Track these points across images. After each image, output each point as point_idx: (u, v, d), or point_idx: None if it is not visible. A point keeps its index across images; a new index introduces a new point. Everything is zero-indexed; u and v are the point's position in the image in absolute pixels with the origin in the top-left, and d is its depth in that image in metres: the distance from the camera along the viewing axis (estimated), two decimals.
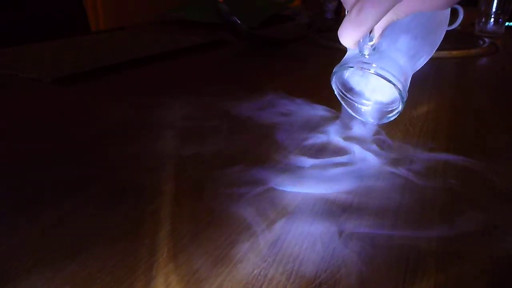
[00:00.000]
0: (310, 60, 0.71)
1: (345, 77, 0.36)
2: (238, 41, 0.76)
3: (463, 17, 0.84)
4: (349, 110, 0.37)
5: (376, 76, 0.31)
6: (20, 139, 0.35)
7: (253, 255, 0.21)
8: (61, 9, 1.03)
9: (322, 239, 0.23)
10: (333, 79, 0.35)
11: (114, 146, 0.34)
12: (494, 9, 0.97)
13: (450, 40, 0.85)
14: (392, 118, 0.34)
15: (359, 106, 0.37)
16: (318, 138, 0.36)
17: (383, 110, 0.36)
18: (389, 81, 0.31)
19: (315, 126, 0.38)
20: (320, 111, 0.42)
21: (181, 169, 0.30)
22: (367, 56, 0.31)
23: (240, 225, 0.24)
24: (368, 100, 0.36)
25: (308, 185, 0.28)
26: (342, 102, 0.37)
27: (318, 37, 0.83)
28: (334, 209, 0.25)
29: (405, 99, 0.32)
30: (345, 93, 0.37)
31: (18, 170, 0.30)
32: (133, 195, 0.27)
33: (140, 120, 0.40)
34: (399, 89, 0.31)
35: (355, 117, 0.37)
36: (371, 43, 0.30)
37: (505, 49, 0.83)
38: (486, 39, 0.83)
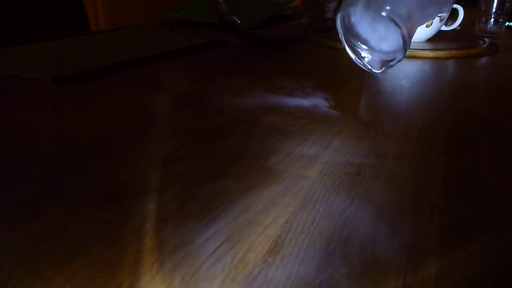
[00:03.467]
0: (310, 60, 0.71)
1: (352, 22, 0.34)
2: (238, 41, 0.76)
3: (463, 17, 0.85)
4: (352, 55, 0.36)
5: (381, 17, 0.29)
6: (19, 139, 0.35)
7: (253, 255, 0.21)
8: (61, 9, 1.03)
9: (322, 239, 0.23)
10: (338, 19, 0.33)
11: (114, 145, 0.34)
12: (494, 9, 0.98)
13: (450, 40, 0.85)
14: (393, 66, 0.33)
15: (362, 53, 0.36)
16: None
17: (384, 59, 0.35)
18: (395, 23, 0.29)
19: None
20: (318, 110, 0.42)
21: (181, 169, 0.30)
22: None
23: (240, 225, 0.24)
24: (372, 48, 0.35)
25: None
26: (346, 46, 0.36)
27: (318, 37, 0.84)
28: (334, 208, 0.25)
29: (408, 45, 0.30)
30: (349, 38, 0.35)
31: (17, 170, 0.30)
32: (134, 195, 0.27)
33: (140, 120, 0.40)
34: (403, 31, 0.29)
35: (358, 64, 0.36)
36: None
37: (505, 49, 0.83)
38: (486, 39, 0.84)
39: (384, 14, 0.29)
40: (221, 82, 0.54)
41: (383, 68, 0.34)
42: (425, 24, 0.77)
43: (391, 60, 0.33)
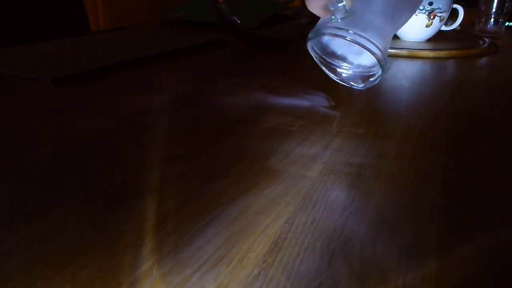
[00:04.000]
0: (310, 60, 0.71)
1: (324, 42, 0.34)
2: (238, 41, 0.76)
3: (463, 17, 0.85)
4: (331, 75, 0.36)
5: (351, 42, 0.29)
6: (19, 139, 0.35)
7: (253, 255, 0.21)
8: (61, 9, 1.03)
9: (322, 239, 0.23)
10: (309, 45, 0.33)
11: (114, 145, 0.34)
12: (494, 9, 0.98)
13: (450, 40, 0.85)
14: (375, 83, 0.33)
15: (340, 71, 0.35)
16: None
17: (365, 74, 0.34)
18: (364, 47, 0.29)
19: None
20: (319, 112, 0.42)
21: (181, 169, 0.30)
22: (339, 21, 0.29)
23: (240, 225, 0.24)
24: (350, 64, 0.35)
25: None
26: (323, 68, 0.35)
27: None
28: (334, 208, 0.25)
29: (384, 63, 0.30)
30: (325, 58, 0.35)
31: (17, 170, 0.30)
32: (134, 195, 0.27)
33: (140, 120, 0.40)
34: (376, 55, 0.29)
35: (338, 82, 0.36)
36: (342, 4, 0.28)
37: (505, 49, 0.83)
38: (486, 39, 0.83)
39: (351, 40, 0.29)
40: (221, 82, 0.54)
41: (364, 84, 0.34)
42: (425, 24, 0.77)
43: (372, 75, 0.33)
